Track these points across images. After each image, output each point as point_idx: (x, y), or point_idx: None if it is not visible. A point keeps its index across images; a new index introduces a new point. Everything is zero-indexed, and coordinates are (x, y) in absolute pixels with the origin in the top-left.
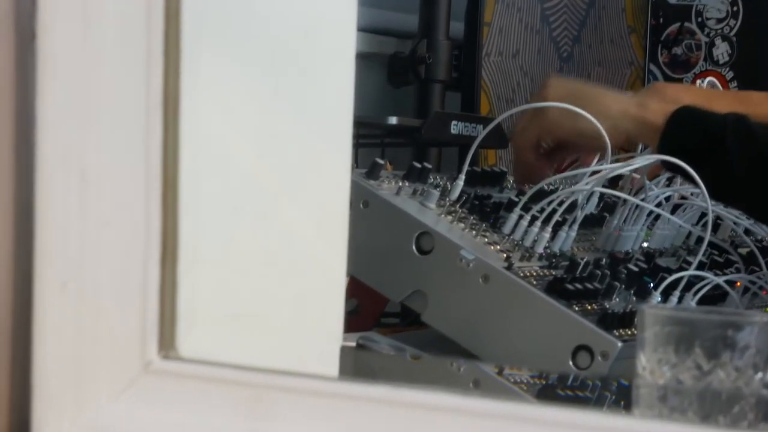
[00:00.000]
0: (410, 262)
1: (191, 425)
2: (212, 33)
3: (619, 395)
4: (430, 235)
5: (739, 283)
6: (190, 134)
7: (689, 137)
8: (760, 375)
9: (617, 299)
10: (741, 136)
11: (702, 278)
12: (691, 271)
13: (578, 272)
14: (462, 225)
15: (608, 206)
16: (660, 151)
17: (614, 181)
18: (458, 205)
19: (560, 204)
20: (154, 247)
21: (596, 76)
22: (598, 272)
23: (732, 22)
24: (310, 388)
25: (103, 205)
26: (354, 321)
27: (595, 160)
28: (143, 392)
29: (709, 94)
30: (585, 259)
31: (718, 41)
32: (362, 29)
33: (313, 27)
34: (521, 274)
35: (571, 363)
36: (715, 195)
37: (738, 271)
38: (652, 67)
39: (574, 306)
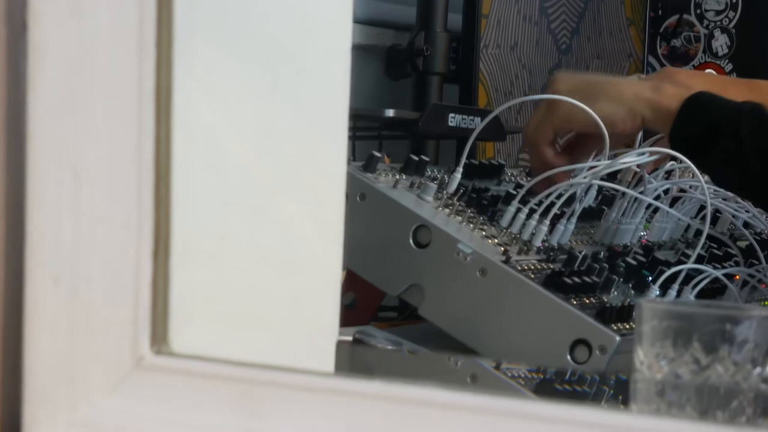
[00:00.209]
0: (407, 255)
1: (184, 421)
2: (206, 24)
3: (617, 390)
4: (428, 229)
5: (737, 277)
6: (183, 127)
7: (702, 123)
8: (758, 369)
9: (615, 293)
10: (755, 125)
11: (701, 271)
12: (690, 265)
13: (576, 266)
14: (459, 218)
15: (607, 199)
16: (672, 136)
17: (612, 174)
18: (456, 198)
19: (558, 197)
20: (147, 242)
21: (595, 68)
22: (596, 266)
23: (731, 14)
24: (304, 383)
25: (95, 199)
26: (351, 315)
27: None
28: (136, 388)
29: (722, 80)
30: (583, 253)
31: (717, 33)
32: (359, 21)
33: (308, 18)
34: (519, 268)
35: (569, 357)
36: (721, 182)
37: (737, 264)
38: (651, 60)
39: (572, 300)
